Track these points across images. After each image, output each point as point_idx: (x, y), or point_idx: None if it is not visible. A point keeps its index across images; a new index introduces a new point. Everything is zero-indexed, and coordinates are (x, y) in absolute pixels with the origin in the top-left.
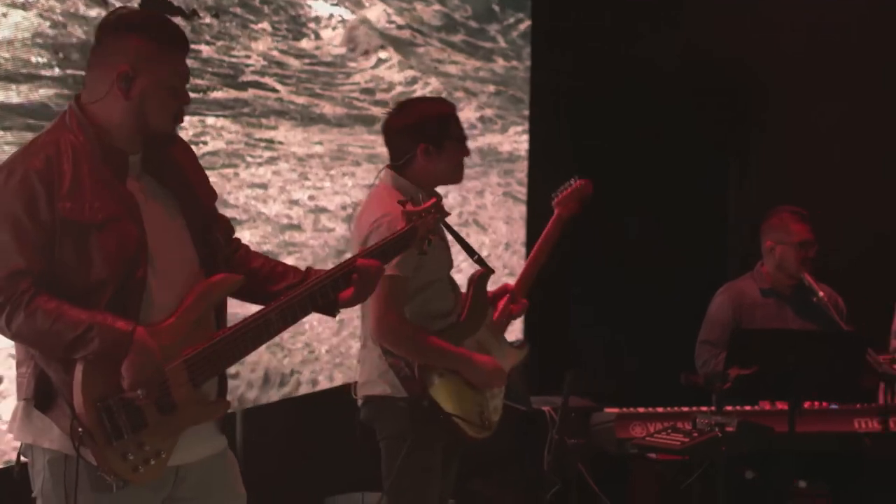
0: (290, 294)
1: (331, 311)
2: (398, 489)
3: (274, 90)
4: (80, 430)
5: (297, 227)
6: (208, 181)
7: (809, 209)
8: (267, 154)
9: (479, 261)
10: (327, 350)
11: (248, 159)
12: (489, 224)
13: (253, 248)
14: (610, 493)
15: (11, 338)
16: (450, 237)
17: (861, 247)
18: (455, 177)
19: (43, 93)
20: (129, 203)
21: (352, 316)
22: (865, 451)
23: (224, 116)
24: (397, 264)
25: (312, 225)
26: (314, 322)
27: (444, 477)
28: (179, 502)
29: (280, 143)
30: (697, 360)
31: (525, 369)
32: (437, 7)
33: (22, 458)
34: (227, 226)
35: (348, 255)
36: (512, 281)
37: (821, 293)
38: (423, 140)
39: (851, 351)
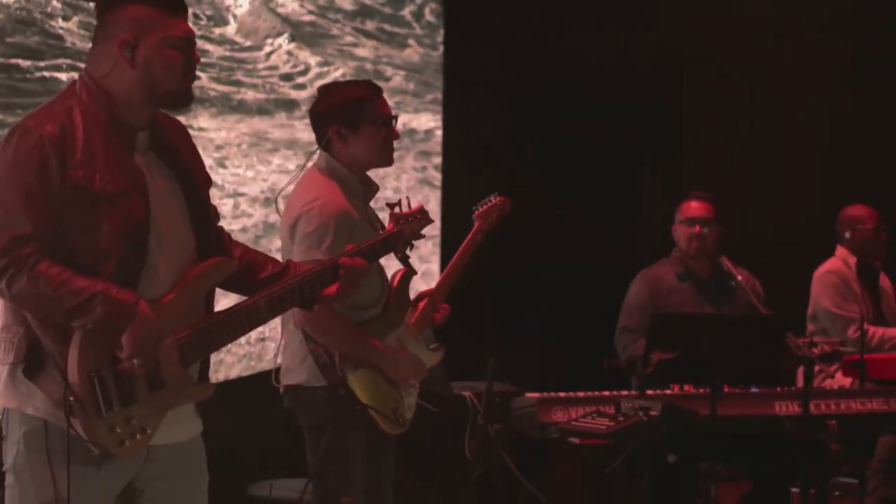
0: (279, 285)
1: (310, 305)
2: (321, 476)
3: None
4: (71, 399)
5: None
6: (203, 165)
7: (725, 195)
8: None
9: (403, 259)
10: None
11: None
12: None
13: None
14: (531, 478)
15: (10, 300)
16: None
17: (780, 232)
18: (381, 160)
19: None
20: (137, 178)
21: None
22: (785, 433)
23: None
24: (326, 248)
25: (231, 211)
26: None
27: (378, 463)
28: (147, 482)
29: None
30: (617, 346)
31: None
32: None
33: None
34: (215, 212)
35: (266, 241)
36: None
37: (739, 277)
38: (334, 123)
39: (771, 334)
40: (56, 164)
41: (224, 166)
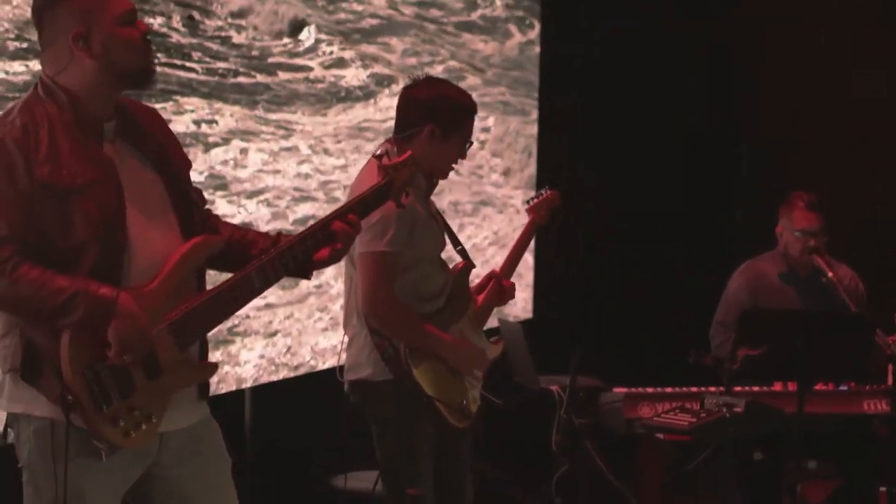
0: (267, 254)
1: (306, 272)
2: (391, 470)
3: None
4: (69, 398)
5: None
6: (182, 149)
7: (822, 192)
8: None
9: (462, 252)
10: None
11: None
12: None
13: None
14: (617, 473)
15: None
16: None
17: (874, 230)
18: (443, 172)
19: None
20: (107, 166)
21: None
22: (875, 432)
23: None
24: (389, 240)
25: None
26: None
27: (450, 457)
28: (164, 468)
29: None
30: (712, 341)
31: (532, 348)
32: None
33: (8, 431)
34: (200, 195)
35: None
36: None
37: (830, 274)
38: (434, 120)
39: (860, 332)
40: (22, 165)
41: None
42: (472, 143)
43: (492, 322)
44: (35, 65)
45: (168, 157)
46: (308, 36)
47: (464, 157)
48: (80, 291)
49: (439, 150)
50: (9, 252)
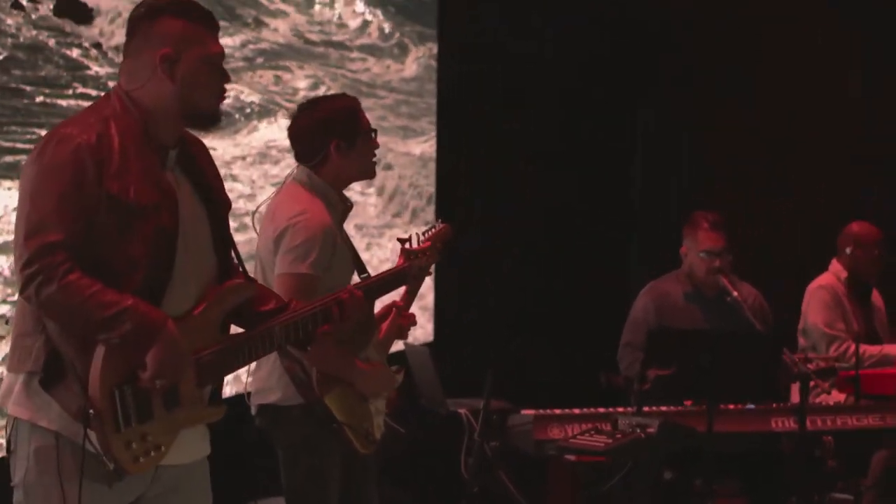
0: (291, 312)
1: (305, 344)
2: (300, 495)
3: None
4: (91, 412)
5: None
6: (224, 188)
7: (723, 206)
8: None
9: (367, 279)
10: None
11: None
12: None
13: None
14: (528, 495)
15: (37, 307)
16: None
17: (776, 243)
18: (369, 171)
19: None
20: (168, 193)
21: None
22: (782, 450)
23: None
24: (311, 263)
25: None
26: None
27: (357, 482)
28: (150, 500)
29: None
30: (621, 363)
31: (438, 373)
32: None
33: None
34: (231, 239)
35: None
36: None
37: (735, 293)
38: (334, 136)
39: (767, 351)
40: (93, 173)
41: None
42: (375, 131)
43: (395, 346)
44: None
45: (215, 195)
46: None
47: (377, 145)
48: (130, 308)
49: (354, 157)
50: (62, 258)
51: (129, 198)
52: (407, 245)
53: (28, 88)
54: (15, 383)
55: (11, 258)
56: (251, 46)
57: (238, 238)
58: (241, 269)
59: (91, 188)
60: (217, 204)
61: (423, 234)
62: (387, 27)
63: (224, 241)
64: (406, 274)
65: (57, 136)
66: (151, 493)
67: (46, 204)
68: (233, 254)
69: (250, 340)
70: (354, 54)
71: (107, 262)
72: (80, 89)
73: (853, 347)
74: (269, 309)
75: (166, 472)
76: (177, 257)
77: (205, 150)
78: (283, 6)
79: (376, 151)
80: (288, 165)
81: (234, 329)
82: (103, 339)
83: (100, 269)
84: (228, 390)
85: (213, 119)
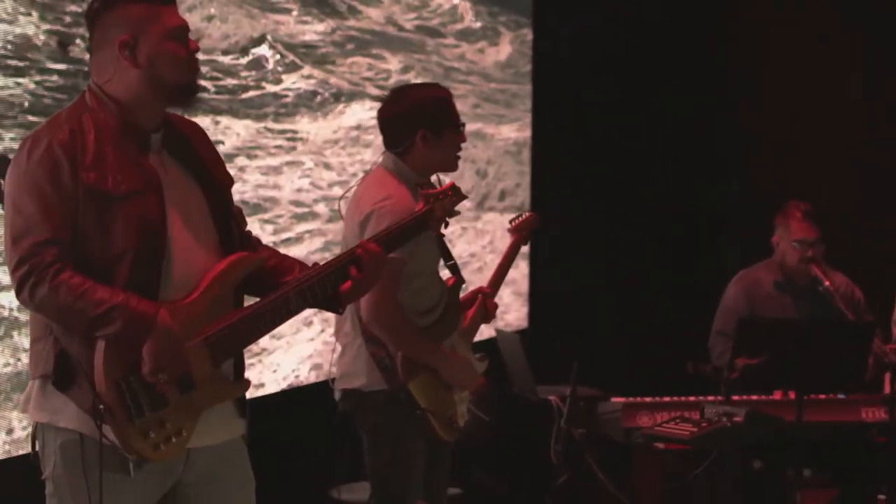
0: (306, 275)
1: (335, 305)
2: (383, 481)
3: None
4: (101, 407)
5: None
6: (224, 166)
7: (814, 198)
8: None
9: (453, 267)
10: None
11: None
12: None
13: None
14: (616, 482)
15: (34, 309)
16: None
17: (867, 236)
18: (452, 164)
19: None
20: (151, 177)
21: None
22: (872, 440)
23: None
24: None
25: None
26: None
27: (436, 468)
28: (188, 486)
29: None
30: (713, 351)
31: (529, 359)
32: None
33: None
34: (241, 215)
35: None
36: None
37: (826, 282)
38: (421, 126)
39: (857, 340)
40: (67, 168)
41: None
42: (464, 124)
43: (486, 332)
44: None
45: (211, 172)
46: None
47: (463, 139)
48: (119, 305)
49: (439, 149)
50: (52, 256)
51: (108, 186)
52: (425, 188)
53: None
54: (33, 388)
55: None
56: (340, 33)
57: (332, 226)
58: (255, 242)
59: (68, 183)
60: (213, 181)
61: (511, 221)
62: (481, 14)
63: (225, 217)
64: (426, 217)
65: (30, 141)
66: (188, 479)
67: (28, 207)
68: (242, 228)
69: (263, 310)
70: (448, 41)
71: (94, 256)
72: None
73: None
74: (292, 279)
75: (200, 456)
76: (170, 239)
77: (199, 131)
78: None
79: (463, 145)
80: (378, 147)
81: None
82: (98, 336)
83: (88, 261)
84: (313, 376)
85: (189, 91)
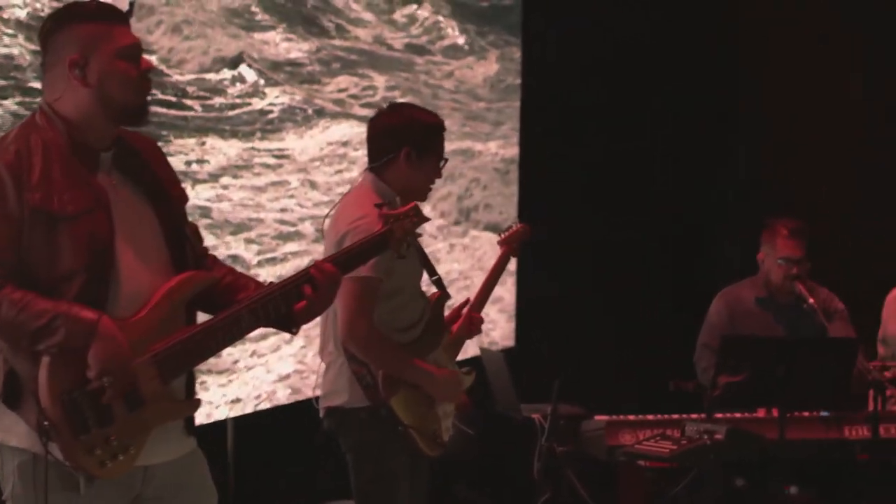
0: (259, 293)
1: (289, 324)
2: (365, 497)
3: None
4: (45, 424)
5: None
6: (179, 183)
7: (802, 211)
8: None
9: (438, 282)
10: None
11: None
12: None
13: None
14: (599, 500)
15: None
16: None
17: (853, 252)
18: (423, 192)
19: None
20: (99, 196)
21: None
22: (856, 457)
23: None
24: (372, 266)
25: None
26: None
27: (414, 481)
28: (149, 501)
29: None
30: (698, 366)
31: (513, 377)
32: None
33: None
34: (196, 231)
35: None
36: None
37: (811, 300)
38: (408, 143)
39: (841, 358)
40: (12, 190)
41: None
42: (446, 160)
43: (471, 350)
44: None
45: (164, 190)
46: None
47: (439, 175)
48: (62, 314)
49: (417, 172)
50: None
51: (53, 207)
52: (384, 208)
53: None
54: None
55: None
56: (325, 52)
57: (319, 247)
58: (211, 260)
59: (13, 205)
60: (166, 199)
61: (501, 233)
62: (467, 31)
63: (178, 235)
64: (385, 238)
65: None
66: (148, 494)
67: None
68: (196, 246)
69: (213, 328)
70: (435, 58)
71: (42, 276)
72: None
73: None
74: (247, 296)
75: (158, 472)
76: (119, 257)
77: (153, 148)
78: (363, 14)
79: (451, 162)
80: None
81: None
82: (43, 349)
83: (36, 284)
84: (298, 395)
85: (139, 112)
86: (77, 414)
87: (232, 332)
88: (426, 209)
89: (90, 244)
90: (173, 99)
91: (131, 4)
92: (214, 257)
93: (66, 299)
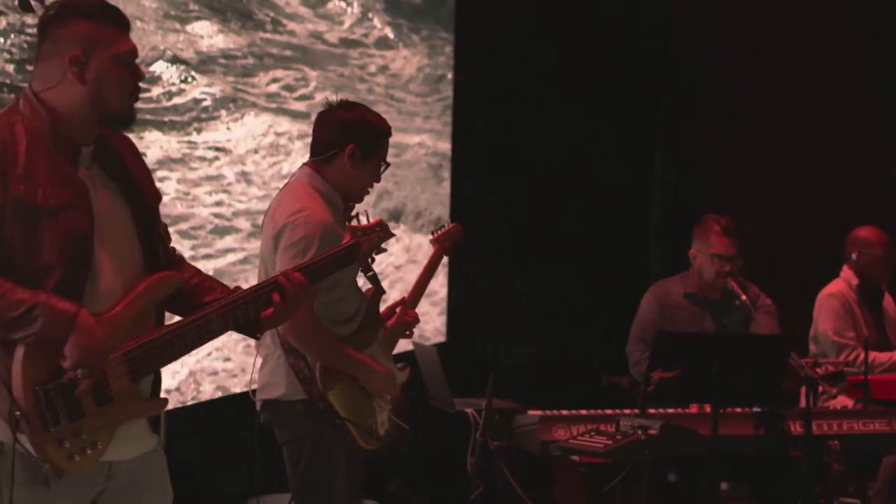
0: (228, 298)
1: (254, 330)
2: (302, 491)
3: None
4: (17, 413)
5: None
6: (153, 182)
7: (733, 211)
8: None
9: (373, 278)
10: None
11: None
12: None
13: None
14: (533, 495)
15: None
16: None
17: (786, 250)
18: (361, 194)
19: None
20: (80, 191)
21: None
22: (788, 453)
23: None
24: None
25: None
26: None
27: (353, 479)
28: (110, 497)
29: None
30: (630, 358)
31: (446, 372)
32: None
33: None
34: (166, 231)
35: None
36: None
37: (743, 297)
38: (355, 141)
39: (774, 354)
40: None
41: None
42: (388, 165)
43: (403, 345)
44: None
45: (139, 188)
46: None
47: (378, 180)
48: (40, 304)
49: (358, 172)
50: None
51: (37, 200)
52: (354, 222)
53: None
54: None
55: None
56: (260, 48)
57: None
58: (179, 260)
59: None
60: (141, 196)
61: (434, 232)
62: (399, 26)
63: (151, 234)
64: (352, 251)
65: None
66: (108, 491)
67: None
68: (168, 245)
69: (184, 329)
70: (370, 51)
71: (20, 267)
72: None
73: (863, 355)
74: (208, 300)
75: (120, 469)
76: (94, 254)
77: (129, 145)
78: (299, 9)
79: (375, 184)
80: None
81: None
82: (19, 338)
83: (13, 273)
84: (234, 386)
85: (127, 119)
86: (49, 405)
87: (201, 335)
88: (360, 207)
89: (70, 239)
90: None
91: None
92: (182, 257)
93: (44, 290)
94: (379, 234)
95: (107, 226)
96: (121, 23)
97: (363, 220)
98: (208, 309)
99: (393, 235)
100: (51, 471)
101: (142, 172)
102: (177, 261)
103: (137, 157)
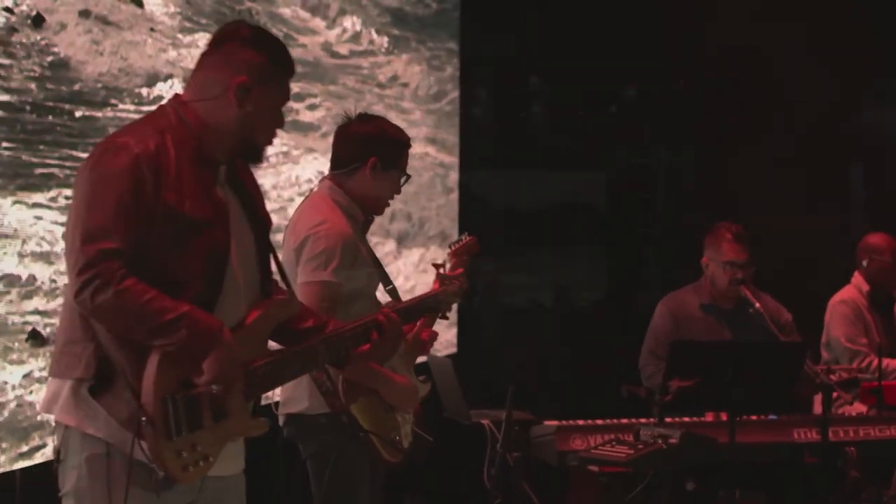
0: (336, 330)
1: (343, 363)
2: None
3: None
4: (143, 420)
5: None
6: (265, 207)
7: (747, 221)
8: None
9: (392, 291)
10: None
11: None
12: None
13: None
14: None
15: (90, 312)
16: None
17: (798, 258)
18: (381, 206)
19: None
20: (220, 209)
21: None
22: (804, 460)
23: None
24: (333, 270)
25: None
26: None
27: (377, 492)
28: None
29: None
30: (643, 372)
31: (461, 384)
32: None
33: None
34: (275, 255)
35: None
36: None
37: (757, 304)
38: (376, 153)
39: (789, 362)
40: (150, 183)
41: None
42: (409, 177)
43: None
44: None
45: (259, 212)
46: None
47: (398, 191)
48: (187, 314)
49: (380, 184)
50: (118, 265)
51: (185, 210)
52: (441, 270)
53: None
54: (61, 389)
55: (49, 268)
56: None
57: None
58: (283, 287)
59: (148, 198)
60: (261, 220)
61: (451, 246)
62: (404, 39)
63: (267, 258)
64: (440, 300)
65: (114, 145)
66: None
67: (104, 211)
68: (275, 271)
69: (297, 356)
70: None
71: (163, 273)
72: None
73: (875, 361)
74: (309, 326)
75: (211, 484)
76: (227, 273)
77: (249, 171)
78: (310, 24)
79: (395, 196)
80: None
81: (272, 345)
82: (159, 345)
83: (156, 279)
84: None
85: (260, 157)
86: (175, 415)
87: (308, 364)
88: (378, 220)
89: (210, 256)
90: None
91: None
92: (276, 281)
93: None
94: (460, 284)
95: (238, 245)
96: (291, 70)
97: (448, 267)
98: (317, 340)
99: (466, 287)
100: (161, 481)
101: (258, 195)
102: (274, 286)
103: (253, 180)
